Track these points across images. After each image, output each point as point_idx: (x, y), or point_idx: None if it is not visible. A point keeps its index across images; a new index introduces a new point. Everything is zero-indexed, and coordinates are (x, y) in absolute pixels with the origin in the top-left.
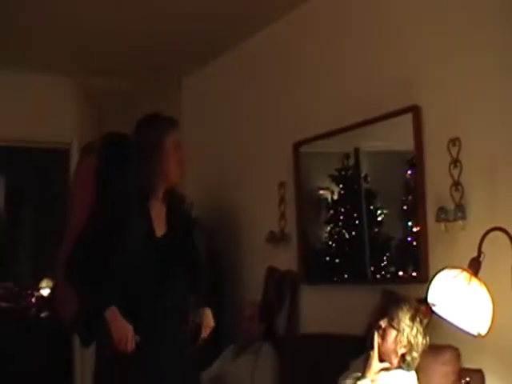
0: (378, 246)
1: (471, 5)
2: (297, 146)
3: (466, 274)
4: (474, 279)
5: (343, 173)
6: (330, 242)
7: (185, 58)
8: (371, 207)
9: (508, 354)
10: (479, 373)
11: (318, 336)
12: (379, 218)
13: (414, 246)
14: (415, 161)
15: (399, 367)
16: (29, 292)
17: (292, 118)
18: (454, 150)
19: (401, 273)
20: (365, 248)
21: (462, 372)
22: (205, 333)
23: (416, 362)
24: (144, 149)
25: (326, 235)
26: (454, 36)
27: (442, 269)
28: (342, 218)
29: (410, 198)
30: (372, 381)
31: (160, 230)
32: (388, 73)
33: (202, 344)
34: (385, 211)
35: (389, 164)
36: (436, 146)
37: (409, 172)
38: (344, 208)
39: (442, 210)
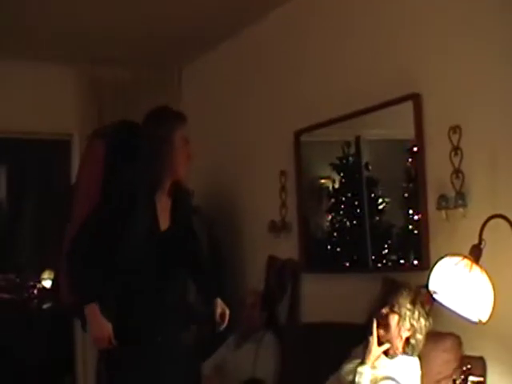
0: (379, 234)
1: None
2: (298, 135)
3: (467, 262)
4: (474, 266)
5: (344, 161)
6: (331, 231)
7: (185, 45)
8: (372, 195)
9: (509, 341)
10: (480, 360)
11: (320, 324)
12: (380, 207)
13: (415, 233)
14: (416, 149)
15: (404, 352)
16: (31, 283)
17: (293, 107)
18: (455, 138)
19: (402, 261)
20: (366, 236)
21: (464, 359)
22: (226, 320)
23: (421, 345)
24: (153, 143)
25: (328, 224)
26: (454, 24)
27: (443, 256)
28: (343, 206)
29: (410, 185)
30: (373, 367)
31: (164, 223)
32: (388, 61)
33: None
34: (386, 199)
35: (390, 152)
36: (437, 134)
37: (409, 160)
38: (345, 196)
39: (442, 197)
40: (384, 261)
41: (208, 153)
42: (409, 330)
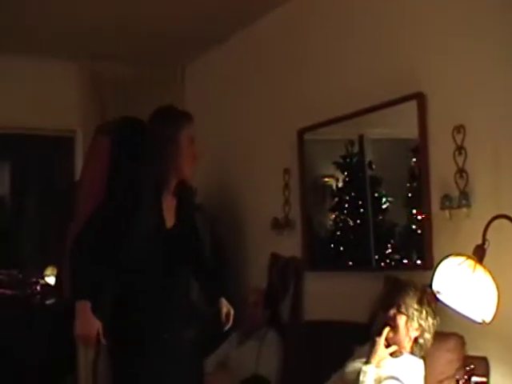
0: (383, 234)
1: None
2: (301, 133)
3: (470, 262)
4: (478, 267)
5: (348, 160)
6: (335, 230)
7: (186, 45)
8: (376, 194)
9: None
10: (484, 360)
11: (322, 323)
12: (384, 206)
13: (419, 233)
14: (420, 148)
15: (412, 352)
16: (33, 279)
17: (296, 105)
18: (459, 137)
19: (405, 260)
20: (369, 235)
21: (467, 359)
22: (231, 320)
23: (429, 344)
24: (159, 143)
25: (331, 222)
26: (457, 23)
27: (447, 256)
28: (346, 205)
29: (414, 185)
30: (377, 366)
31: (170, 221)
32: (392, 60)
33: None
34: (389, 199)
35: (393, 151)
36: (440, 133)
37: (413, 159)
38: (348, 195)
39: (446, 197)
40: (387, 260)
41: (211, 151)
42: (417, 329)
